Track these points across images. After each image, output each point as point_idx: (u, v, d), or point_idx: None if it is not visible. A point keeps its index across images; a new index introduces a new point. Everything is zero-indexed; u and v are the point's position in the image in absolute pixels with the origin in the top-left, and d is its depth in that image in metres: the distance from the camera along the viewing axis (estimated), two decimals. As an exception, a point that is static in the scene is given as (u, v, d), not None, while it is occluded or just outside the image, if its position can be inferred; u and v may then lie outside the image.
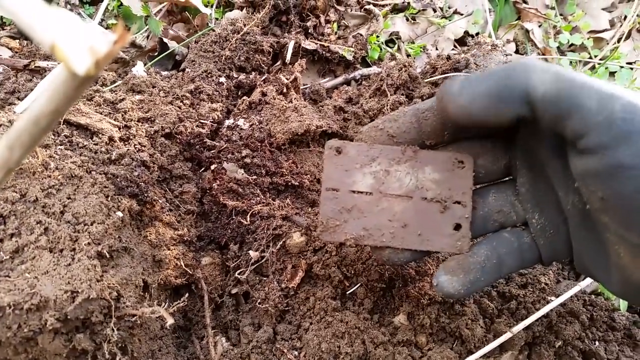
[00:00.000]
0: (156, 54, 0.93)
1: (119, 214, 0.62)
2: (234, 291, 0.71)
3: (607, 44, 1.17)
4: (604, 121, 0.36)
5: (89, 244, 0.58)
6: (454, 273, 0.50)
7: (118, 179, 0.65)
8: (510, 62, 0.43)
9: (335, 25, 1.02)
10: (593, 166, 0.38)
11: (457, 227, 0.53)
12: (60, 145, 0.67)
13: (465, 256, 0.51)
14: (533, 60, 0.41)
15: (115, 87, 0.83)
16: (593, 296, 0.78)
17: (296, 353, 0.67)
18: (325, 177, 0.52)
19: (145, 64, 0.91)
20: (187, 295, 0.62)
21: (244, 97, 0.84)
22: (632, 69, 1.12)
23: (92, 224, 0.59)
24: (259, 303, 0.68)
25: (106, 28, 1.02)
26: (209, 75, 0.85)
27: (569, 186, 0.47)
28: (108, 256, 0.59)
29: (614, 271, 0.44)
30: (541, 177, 0.51)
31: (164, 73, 0.91)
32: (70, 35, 0.26)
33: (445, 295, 0.51)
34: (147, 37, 0.98)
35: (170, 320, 0.51)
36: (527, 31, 1.16)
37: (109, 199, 0.62)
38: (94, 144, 0.68)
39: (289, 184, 0.76)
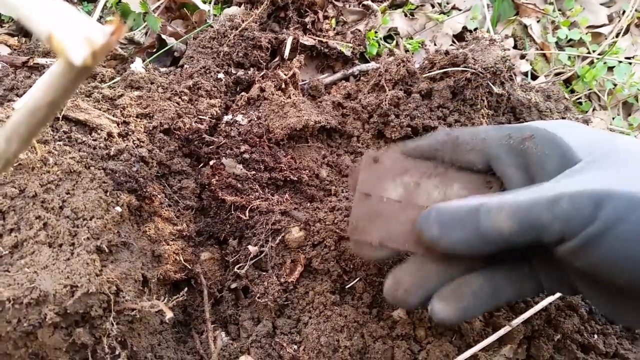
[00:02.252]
0: (154, 50, 0.93)
1: (118, 209, 0.62)
2: (233, 286, 0.71)
3: (606, 39, 1.17)
4: (562, 224, 0.41)
5: (88, 238, 0.58)
6: (447, 301, 0.51)
7: (117, 175, 0.65)
8: (474, 205, 0.47)
9: (333, 21, 1.02)
10: (567, 249, 0.43)
11: None
12: (59, 141, 0.68)
13: (459, 284, 0.52)
14: (491, 201, 0.46)
15: (114, 83, 0.83)
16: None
17: (295, 347, 0.67)
18: (360, 182, 0.56)
19: (143, 61, 0.91)
20: (186, 289, 0.62)
21: (243, 93, 0.84)
22: (630, 63, 1.12)
23: (91, 219, 0.60)
24: (258, 297, 0.69)
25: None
26: (207, 72, 0.85)
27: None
28: (107, 251, 0.59)
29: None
30: None
31: (163, 69, 0.91)
32: (67, 27, 0.26)
33: (438, 321, 0.52)
34: (146, 33, 0.98)
35: (169, 314, 0.52)
36: (526, 26, 1.16)
37: (107, 194, 0.63)
38: (92, 140, 0.69)
39: (288, 179, 0.76)
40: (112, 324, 0.56)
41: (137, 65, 0.86)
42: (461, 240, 0.47)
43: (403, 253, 0.56)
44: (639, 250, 0.39)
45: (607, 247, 0.40)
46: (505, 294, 0.53)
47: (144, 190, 0.66)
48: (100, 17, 1.05)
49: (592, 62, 1.12)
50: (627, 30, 1.18)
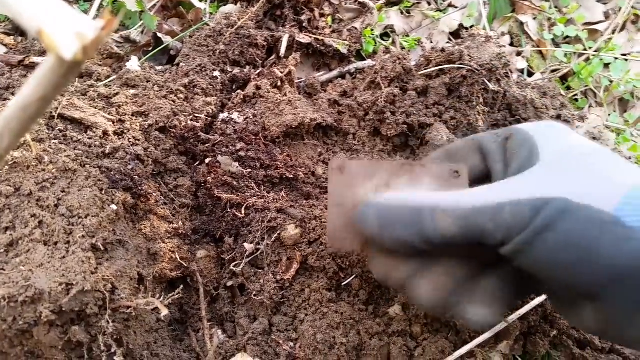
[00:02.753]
0: (151, 49, 0.93)
1: (113, 207, 0.62)
2: (229, 284, 0.71)
3: (602, 35, 1.17)
4: (502, 231, 0.42)
5: (83, 236, 0.58)
6: (483, 305, 0.50)
7: (112, 173, 0.65)
8: (417, 205, 0.48)
9: (329, 18, 1.02)
10: (507, 252, 0.43)
11: None
12: (55, 139, 0.68)
13: (487, 288, 0.51)
14: (434, 202, 0.47)
15: (110, 82, 0.83)
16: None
17: (292, 344, 0.67)
18: (330, 194, 0.56)
19: (139, 59, 0.91)
20: (181, 287, 0.62)
21: (239, 91, 0.84)
22: (626, 60, 1.12)
23: (86, 217, 0.60)
24: (255, 295, 0.69)
25: (100, 24, 1.02)
26: (203, 70, 0.85)
27: None
28: (102, 249, 0.59)
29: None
30: None
31: (159, 68, 0.91)
32: (57, 22, 0.26)
33: (476, 325, 0.50)
34: (142, 32, 0.98)
35: (164, 311, 0.52)
36: (522, 24, 1.16)
37: (103, 193, 0.63)
38: (88, 138, 0.69)
39: (284, 176, 0.76)
40: (108, 321, 0.56)
41: (133, 64, 0.86)
42: (403, 239, 0.47)
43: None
44: (563, 258, 0.40)
45: (535, 253, 0.41)
46: (518, 294, 0.53)
47: (140, 188, 0.66)
48: (97, 15, 1.05)
49: (588, 59, 1.12)
50: (623, 27, 1.18)
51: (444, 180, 0.55)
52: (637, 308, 0.41)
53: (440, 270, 0.50)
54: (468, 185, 0.54)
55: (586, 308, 0.45)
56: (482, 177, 0.56)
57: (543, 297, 0.71)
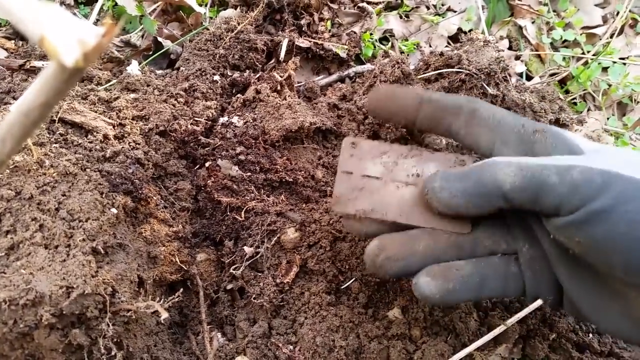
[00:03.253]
0: (151, 53, 0.94)
1: (114, 210, 0.62)
2: (229, 287, 0.72)
3: (600, 39, 1.17)
4: (568, 190, 0.42)
5: (83, 240, 0.58)
6: (434, 277, 0.51)
7: (112, 176, 0.65)
8: (482, 162, 0.49)
9: (329, 23, 1.03)
10: (568, 220, 0.43)
11: None
12: (55, 143, 0.68)
13: (450, 266, 0.52)
14: (499, 158, 0.48)
15: (110, 86, 0.84)
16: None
17: (291, 347, 0.68)
18: (341, 163, 0.60)
19: (140, 63, 0.91)
20: (181, 290, 0.62)
21: (238, 95, 0.85)
22: (624, 64, 1.13)
23: (86, 221, 0.60)
24: (254, 298, 0.69)
25: (101, 28, 1.03)
26: (203, 74, 0.86)
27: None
28: (103, 252, 0.59)
29: (620, 312, 0.47)
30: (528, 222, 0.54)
31: (159, 72, 0.91)
32: (59, 28, 0.26)
33: (421, 296, 0.52)
34: (142, 36, 0.99)
35: (164, 315, 0.52)
36: (520, 27, 1.17)
37: (103, 196, 0.63)
38: (88, 142, 0.69)
39: (283, 180, 0.77)
40: (108, 324, 0.56)
41: (133, 68, 0.87)
42: (459, 192, 0.48)
43: (386, 227, 0.57)
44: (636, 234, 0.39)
45: (611, 223, 0.40)
46: (489, 289, 0.53)
47: (140, 192, 0.66)
48: (97, 20, 1.05)
49: (586, 63, 1.13)
50: (621, 31, 1.19)
51: (449, 166, 0.57)
52: None
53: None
54: None
55: (638, 301, 0.44)
56: (468, 147, 0.56)
57: (542, 300, 0.72)
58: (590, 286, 0.48)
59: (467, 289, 0.52)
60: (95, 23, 1.02)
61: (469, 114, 0.54)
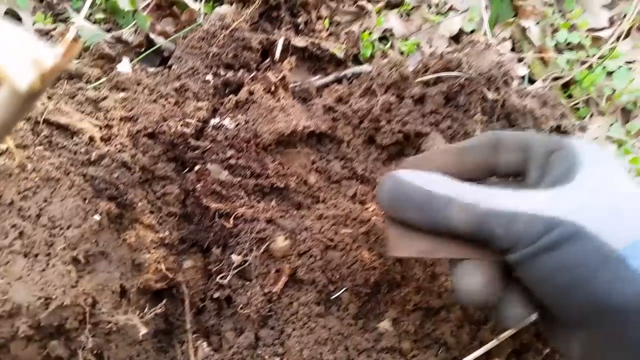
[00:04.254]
0: (143, 49, 0.91)
1: (97, 217, 0.61)
2: (215, 295, 0.70)
3: (606, 42, 1.14)
4: (512, 241, 0.44)
5: (64, 248, 0.57)
6: (515, 304, 0.51)
7: (97, 181, 0.63)
8: (433, 189, 0.49)
9: (326, 21, 1.00)
10: (510, 259, 0.45)
11: None
12: (40, 145, 0.66)
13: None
14: (457, 198, 0.47)
15: (100, 84, 0.82)
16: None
17: (278, 359, 0.66)
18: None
19: (131, 60, 0.89)
20: (164, 301, 0.61)
21: (231, 96, 0.82)
22: (630, 68, 1.10)
23: (68, 228, 0.58)
24: (241, 308, 0.67)
25: (94, 23, 1.00)
26: (195, 73, 0.83)
27: None
28: (84, 261, 0.57)
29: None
30: None
31: (151, 69, 0.89)
32: (9, 49, 0.24)
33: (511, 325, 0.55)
34: (135, 32, 0.96)
35: (143, 330, 0.50)
36: (524, 29, 1.13)
37: (86, 202, 0.61)
38: (73, 145, 0.67)
39: (274, 186, 0.75)
40: (87, 337, 0.54)
41: (124, 66, 0.84)
42: (414, 220, 0.49)
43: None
44: (560, 280, 0.41)
45: (535, 268, 0.43)
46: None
47: (125, 197, 0.65)
48: (90, 14, 1.03)
49: (591, 67, 1.10)
50: (628, 34, 1.16)
51: None
52: (618, 346, 0.41)
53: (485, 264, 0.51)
54: None
55: (572, 335, 0.46)
56: (516, 175, 0.56)
57: (535, 314, 0.70)
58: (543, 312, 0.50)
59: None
60: (88, 17, 0.99)
61: (498, 142, 0.55)
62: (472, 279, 0.50)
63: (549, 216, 0.42)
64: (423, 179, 0.49)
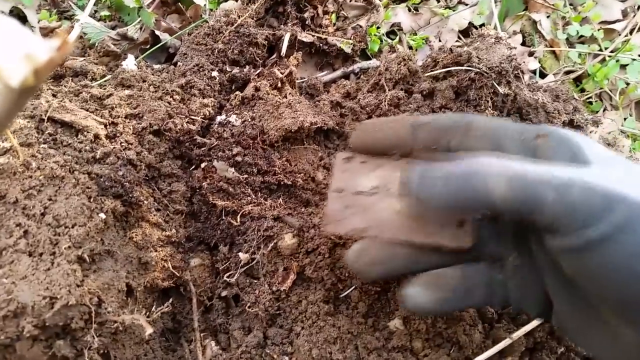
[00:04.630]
0: (148, 46, 0.91)
1: (102, 215, 0.60)
2: (223, 294, 0.69)
3: (619, 35, 1.12)
4: (565, 211, 0.37)
5: (69, 247, 0.56)
6: (426, 287, 0.48)
7: (102, 179, 0.62)
8: (469, 162, 0.42)
9: (333, 16, 0.98)
10: (562, 244, 0.39)
11: (460, 223, 0.52)
12: (44, 143, 0.65)
13: (438, 275, 0.49)
14: (489, 161, 0.41)
15: (105, 81, 0.81)
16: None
17: (287, 359, 0.65)
18: (333, 180, 0.56)
19: (137, 57, 0.88)
20: (171, 300, 0.60)
21: (237, 92, 0.81)
22: (644, 61, 1.08)
23: (73, 227, 0.57)
24: (249, 307, 0.66)
25: (99, 20, 1.00)
26: (200, 69, 0.82)
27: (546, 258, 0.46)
28: (89, 260, 0.57)
29: (609, 342, 0.43)
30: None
31: (156, 66, 0.88)
32: (2, 43, 0.23)
33: (413, 307, 0.49)
34: (140, 28, 0.95)
35: (149, 330, 0.49)
36: (535, 22, 1.11)
37: (91, 200, 0.60)
38: (78, 142, 0.66)
39: (282, 183, 0.74)
40: (94, 336, 0.54)
41: (129, 63, 0.83)
42: (442, 196, 0.42)
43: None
44: (636, 268, 0.35)
45: (610, 254, 0.36)
46: (476, 297, 0.50)
47: (130, 195, 0.64)
48: (95, 11, 1.02)
49: (603, 60, 1.08)
50: (641, 26, 1.13)
51: None
52: None
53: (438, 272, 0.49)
54: None
55: (626, 334, 0.40)
56: None
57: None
58: (581, 310, 0.44)
59: (457, 298, 0.49)
60: (93, 15, 0.99)
61: (465, 127, 0.50)
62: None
63: (606, 188, 0.37)
64: (457, 162, 0.43)
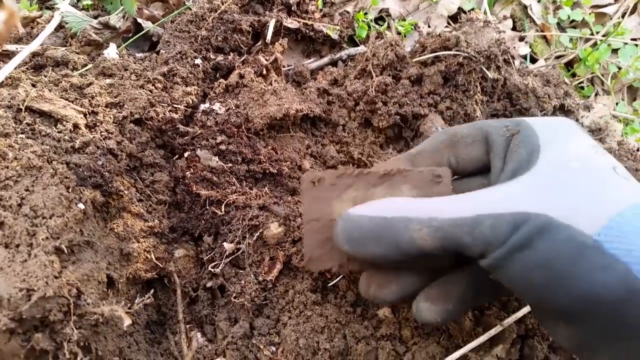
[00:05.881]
0: (130, 35, 0.89)
1: (81, 206, 0.58)
2: (208, 285, 0.68)
3: (611, 19, 1.11)
4: (480, 243, 0.40)
5: (47, 238, 0.54)
6: (434, 302, 0.49)
7: (80, 169, 0.61)
8: (391, 217, 0.45)
9: (320, 2, 0.97)
10: (483, 265, 0.42)
11: None
12: (22, 133, 0.64)
13: (445, 285, 0.50)
14: (409, 212, 0.44)
15: (86, 71, 0.79)
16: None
17: (273, 349, 0.64)
18: (305, 210, 0.53)
19: (119, 46, 0.86)
20: (152, 291, 0.59)
21: (221, 80, 0.80)
22: (637, 45, 1.06)
23: (50, 218, 0.56)
24: (235, 297, 0.65)
25: (81, 9, 0.98)
26: (183, 57, 0.81)
27: None
28: (68, 251, 0.55)
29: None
30: None
31: (139, 55, 0.86)
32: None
33: (424, 321, 0.50)
34: (123, 17, 0.93)
35: (127, 321, 0.48)
36: (525, 7, 1.10)
37: (70, 191, 0.59)
38: (57, 132, 0.65)
39: (267, 171, 0.72)
40: (73, 329, 0.52)
41: (111, 51, 0.82)
42: (379, 253, 0.45)
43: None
44: (536, 277, 0.39)
45: (509, 271, 0.40)
46: (485, 296, 0.52)
47: (110, 185, 0.62)
48: (77, 0, 1.00)
49: (595, 44, 1.06)
50: (633, 10, 1.12)
51: (424, 186, 0.51)
52: (608, 337, 0.39)
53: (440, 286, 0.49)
54: (451, 189, 0.51)
55: (560, 327, 0.43)
56: (484, 170, 0.53)
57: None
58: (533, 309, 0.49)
59: (465, 303, 0.50)
60: (75, 5, 0.97)
61: (452, 139, 0.52)
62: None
63: (513, 212, 0.40)
64: (374, 208, 0.46)
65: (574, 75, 1.06)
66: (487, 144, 0.51)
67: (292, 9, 0.92)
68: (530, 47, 1.07)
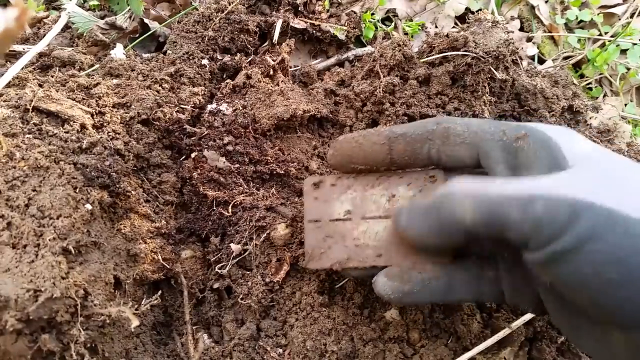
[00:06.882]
0: (137, 35, 0.89)
1: (88, 206, 0.58)
2: (215, 286, 0.67)
3: (619, 19, 1.10)
4: (530, 227, 0.37)
5: (54, 239, 0.54)
6: (391, 278, 0.50)
7: (88, 169, 0.61)
8: (440, 191, 0.45)
9: (327, 2, 0.96)
10: (533, 258, 0.39)
11: None
12: (29, 133, 0.64)
13: (410, 270, 0.50)
14: (458, 185, 0.43)
15: (93, 71, 0.79)
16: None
17: (280, 351, 0.64)
18: (306, 211, 0.56)
19: (126, 47, 0.86)
20: (160, 292, 0.58)
21: (228, 81, 0.79)
22: (645, 46, 1.06)
23: (58, 218, 0.56)
24: (242, 299, 0.65)
25: (87, 10, 0.98)
26: (190, 57, 0.80)
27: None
28: (75, 252, 0.55)
29: (598, 339, 0.43)
30: None
31: (145, 55, 0.86)
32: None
33: (377, 294, 0.51)
34: (130, 17, 0.93)
35: (135, 322, 0.48)
36: (533, 7, 1.09)
37: (77, 191, 0.59)
38: (64, 132, 0.64)
39: (274, 172, 0.72)
40: (80, 330, 0.52)
41: (118, 52, 0.82)
42: (424, 229, 0.45)
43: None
44: (610, 273, 0.35)
45: (577, 265, 0.36)
46: (459, 293, 0.50)
47: (118, 185, 0.62)
48: (84, 0, 1.00)
49: (603, 45, 1.06)
50: (642, 10, 1.11)
51: (420, 186, 0.53)
52: None
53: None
54: None
55: (613, 336, 0.40)
56: (463, 167, 0.51)
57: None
58: (571, 312, 0.44)
59: (430, 292, 0.49)
60: (82, 5, 0.97)
61: (442, 133, 0.49)
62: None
63: (573, 198, 0.36)
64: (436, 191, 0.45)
65: (582, 76, 1.05)
66: (476, 149, 0.48)
67: (299, 9, 0.91)
68: (537, 47, 1.06)
